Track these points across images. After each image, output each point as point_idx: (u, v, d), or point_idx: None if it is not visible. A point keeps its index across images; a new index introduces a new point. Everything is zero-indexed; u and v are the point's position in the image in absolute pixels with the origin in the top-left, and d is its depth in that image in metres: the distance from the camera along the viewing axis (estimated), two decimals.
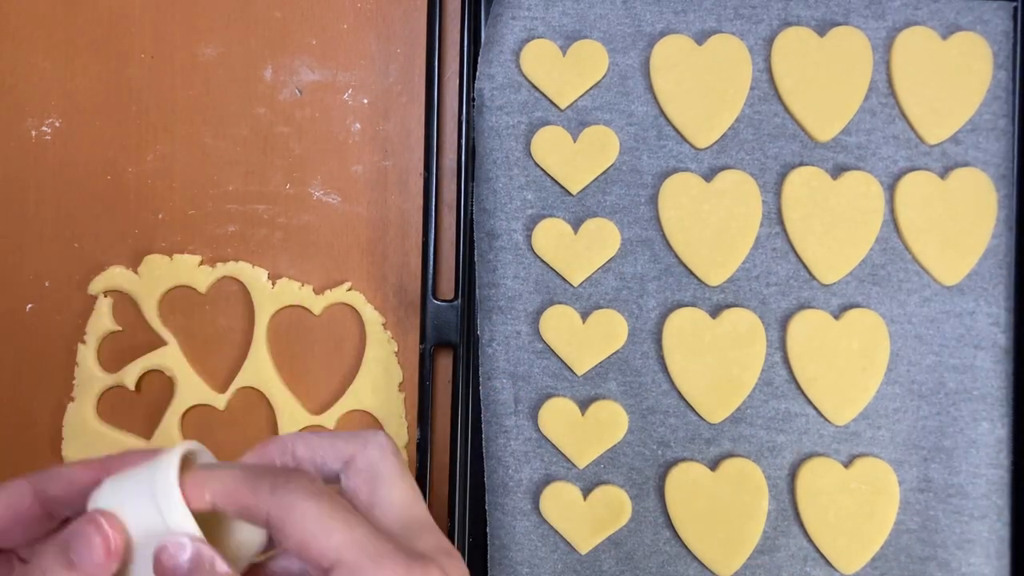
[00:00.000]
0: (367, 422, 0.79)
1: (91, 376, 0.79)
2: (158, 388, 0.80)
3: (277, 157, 0.79)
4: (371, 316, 0.79)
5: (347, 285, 0.79)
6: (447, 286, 0.78)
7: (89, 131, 0.80)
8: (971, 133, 0.75)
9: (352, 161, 0.80)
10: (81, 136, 0.80)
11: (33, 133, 0.80)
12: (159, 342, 0.79)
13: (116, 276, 0.79)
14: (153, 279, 0.79)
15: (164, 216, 0.79)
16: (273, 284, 0.79)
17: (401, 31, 0.80)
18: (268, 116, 0.80)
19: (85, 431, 0.79)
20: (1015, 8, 0.76)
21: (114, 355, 0.80)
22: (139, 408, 0.80)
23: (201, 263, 0.79)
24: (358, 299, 0.79)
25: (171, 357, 0.79)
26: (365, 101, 0.80)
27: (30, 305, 0.79)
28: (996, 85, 0.75)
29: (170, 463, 0.43)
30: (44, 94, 0.80)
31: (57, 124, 0.80)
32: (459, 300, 0.76)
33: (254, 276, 0.79)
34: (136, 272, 0.79)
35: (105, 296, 0.79)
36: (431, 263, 0.75)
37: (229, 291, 0.80)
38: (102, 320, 0.79)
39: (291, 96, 0.80)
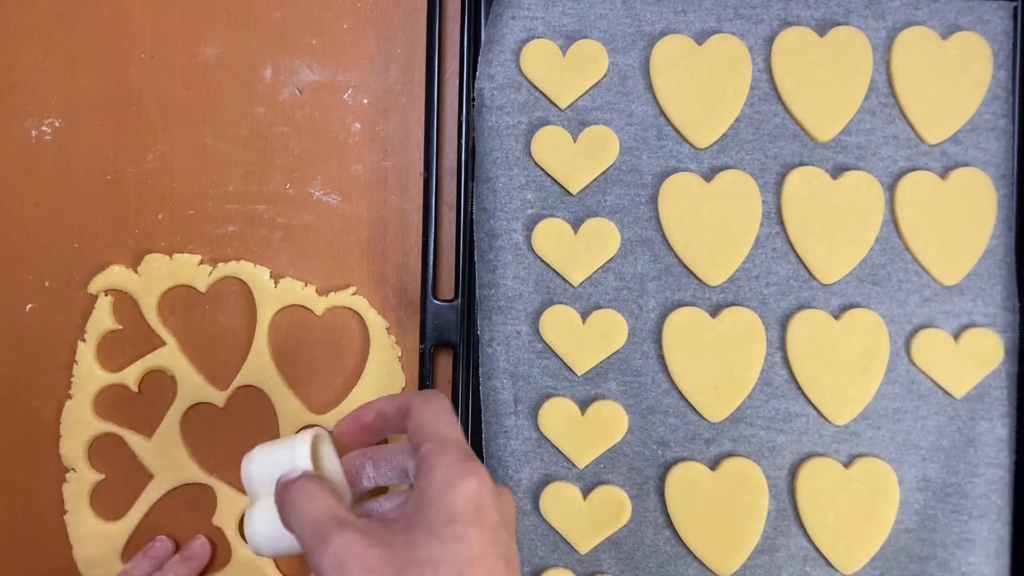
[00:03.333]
0: None
1: (90, 374, 0.79)
2: (157, 386, 0.80)
3: (277, 157, 0.80)
4: (375, 320, 0.79)
5: (352, 289, 0.79)
6: (447, 286, 0.78)
7: (89, 131, 0.80)
8: (971, 133, 0.75)
9: (352, 161, 0.80)
10: (81, 136, 0.80)
11: (33, 133, 0.80)
12: (159, 341, 0.79)
13: (116, 275, 0.79)
14: (153, 278, 0.79)
15: (164, 216, 0.80)
16: (276, 283, 0.79)
17: (401, 31, 0.80)
18: (268, 116, 0.80)
19: (83, 428, 0.79)
20: (1015, 8, 0.76)
21: (113, 354, 0.80)
22: (138, 405, 0.80)
23: (201, 262, 0.79)
24: (362, 303, 0.79)
25: (171, 356, 0.79)
26: (365, 101, 0.80)
27: (30, 305, 0.80)
28: (996, 85, 0.75)
29: (304, 438, 0.58)
30: (44, 94, 0.80)
31: (57, 124, 0.80)
32: (459, 300, 0.76)
33: (256, 275, 0.79)
34: (136, 271, 0.79)
35: (105, 295, 0.79)
36: (431, 263, 0.75)
37: (230, 290, 0.80)
38: (102, 319, 0.79)
39: (291, 96, 0.80)
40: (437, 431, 0.56)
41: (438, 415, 0.57)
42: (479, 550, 0.54)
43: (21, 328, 0.80)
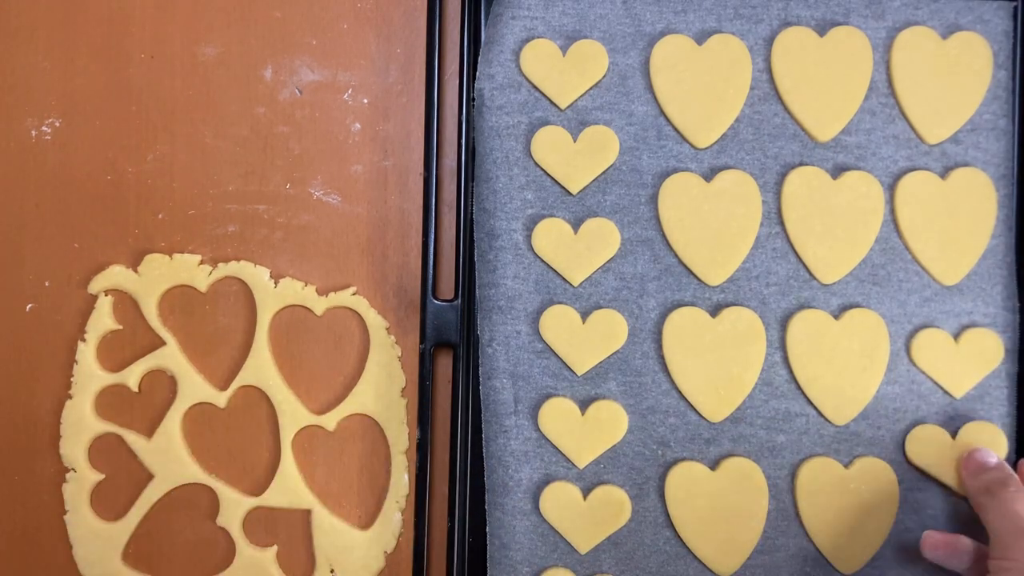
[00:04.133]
0: (368, 426, 0.79)
1: (90, 374, 0.79)
2: (158, 386, 0.80)
3: (277, 157, 0.80)
4: (375, 320, 0.79)
5: (352, 289, 0.79)
6: (447, 286, 0.78)
7: (89, 131, 0.80)
8: (971, 133, 0.75)
9: (352, 161, 0.80)
10: (81, 136, 0.80)
11: (33, 133, 0.80)
12: (159, 341, 0.79)
13: (116, 275, 0.79)
14: (153, 278, 0.79)
15: (164, 216, 0.80)
16: (276, 283, 0.79)
17: (401, 31, 0.80)
18: (268, 116, 0.80)
19: (83, 428, 0.79)
20: (1015, 8, 0.76)
21: (113, 354, 0.80)
22: (138, 406, 0.80)
23: (201, 262, 0.79)
24: (362, 304, 0.79)
25: (171, 357, 0.79)
26: (365, 101, 0.80)
27: (30, 305, 0.80)
28: (996, 85, 0.75)
29: None
30: (44, 94, 0.80)
31: (57, 124, 0.80)
32: (459, 300, 0.76)
33: (256, 275, 0.79)
34: (136, 271, 0.79)
35: (105, 295, 0.79)
36: (431, 263, 0.75)
37: (230, 290, 0.80)
38: (103, 319, 0.79)
39: (291, 96, 0.80)
40: None
41: None
42: None
43: (21, 328, 0.80)
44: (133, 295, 0.79)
